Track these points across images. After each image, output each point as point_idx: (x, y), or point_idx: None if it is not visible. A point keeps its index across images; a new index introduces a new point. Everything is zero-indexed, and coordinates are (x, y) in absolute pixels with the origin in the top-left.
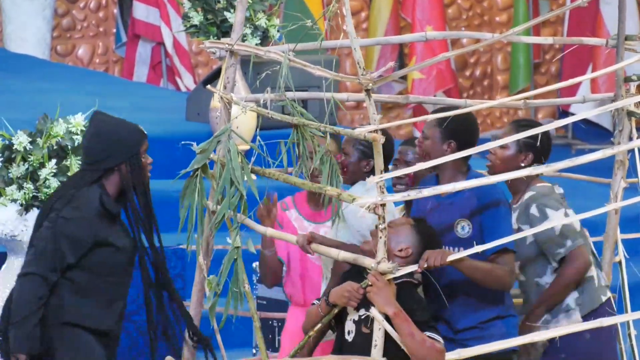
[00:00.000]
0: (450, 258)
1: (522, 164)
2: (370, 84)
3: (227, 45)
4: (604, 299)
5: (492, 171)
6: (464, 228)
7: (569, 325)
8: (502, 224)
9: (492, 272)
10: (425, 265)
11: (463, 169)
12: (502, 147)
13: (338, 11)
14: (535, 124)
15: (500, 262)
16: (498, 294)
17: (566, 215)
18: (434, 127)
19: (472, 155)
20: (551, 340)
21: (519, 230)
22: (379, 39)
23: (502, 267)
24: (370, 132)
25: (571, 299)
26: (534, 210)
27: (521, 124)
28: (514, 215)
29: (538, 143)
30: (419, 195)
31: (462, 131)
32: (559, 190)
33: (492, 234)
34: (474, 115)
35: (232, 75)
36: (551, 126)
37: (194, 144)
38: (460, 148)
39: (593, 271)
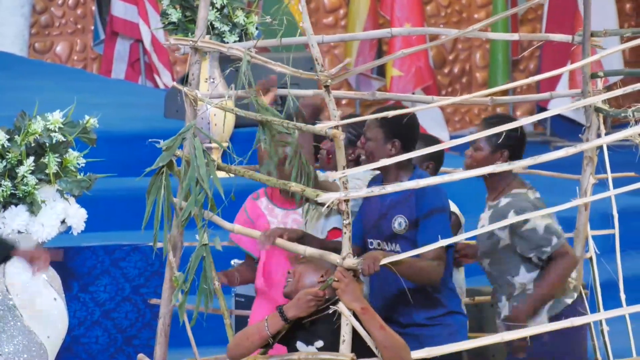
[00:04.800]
0: (384, 261)
1: (499, 162)
2: (329, 81)
3: (190, 42)
4: (569, 301)
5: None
6: (400, 224)
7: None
8: (438, 225)
9: (420, 269)
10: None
11: (408, 167)
12: (476, 148)
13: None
14: (506, 119)
15: (430, 256)
16: (446, 292)
17: (546, 217)
18: (376, 128)
19: (450, 152)
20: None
21: (493, 233)
22: (343, 36)
23: (430, 262)
24: (331, 127)
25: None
26: (511, 215)
27: (491, 121)
28: (487, 214)
29: (502, 139)
30: (383, 191)
31: (405, 129)
32: (536, 194)
33: (426, 234)
34: (414, 113)
35: (196, 72)
36: (521, 122)
37: (161, 141)
38: (404, 146)
39: None
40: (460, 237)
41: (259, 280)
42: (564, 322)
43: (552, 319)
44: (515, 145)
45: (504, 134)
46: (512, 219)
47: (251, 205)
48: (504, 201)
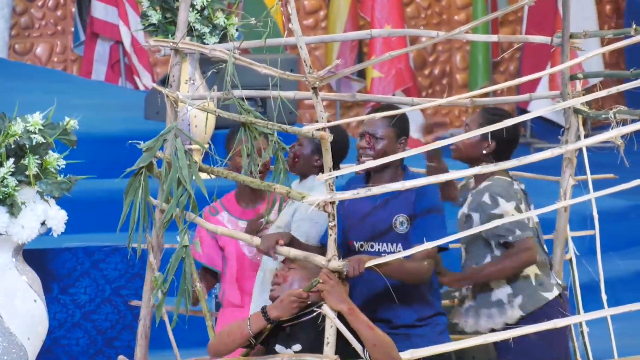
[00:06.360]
0: (369, 264)
1: (484, 152)
2: (317, 82)
3: (171, 44)
4: (549, 296)
5: (455, 156)
6: (402, 224)
7: (507, 321)
8: (434, 228)
9: (408, 269)
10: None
11: (402, 167)
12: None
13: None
14: (503, 113)
15: (421, 255)
16: (435, 293)
17: (518, 209)
18: (388, 128)
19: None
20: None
21: (468, 216)
22: (323, 37)
23: (418, 262)
24: (318, 129)
25: (503, 294)
26: (486, 198)
27: (489, 113)
28: (468, 201)
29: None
30: (369, 193)
31: (408, 127)
32: (520, 185)
33: (420, 232)
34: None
35: (177, 74)
36: (510, 122)
37: (142, 142)
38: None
39: (532, 270)
40: (455, 237)
41: (231, 293)
42: (546, 323)
43: (530, 315)
44: (504, 139)
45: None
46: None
47: (210, 220)
48: (483, 184)
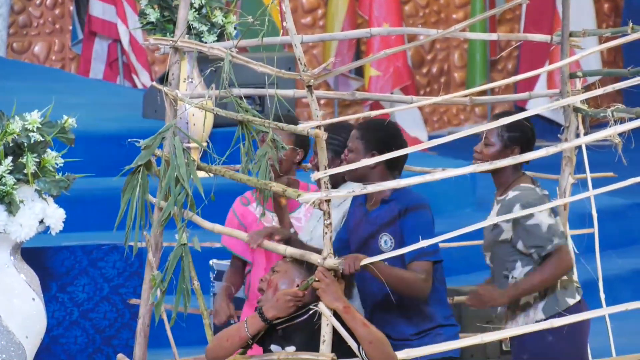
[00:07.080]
0: (364, 262)
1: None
2: (312, 81)
3: (170, 42)
4: (571, 302)
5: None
6: (386, 242)
7: (527, 323)
8: (421, 231)
9: (406, 279)
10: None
11: (389, 179)
12: (487, 144)
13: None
14: (515, 114)
15: (417, 270)
16: (436, 305)
17: (551, 216)
18: (356, 140)
19: (428, 152)
20: (513, 339)
21: (497, 225)
22: (322, 35)
23: (417, 275)
24: (313, 128)
25: (530, 297)
26: (517, 209)
27: (501, 117)
28: (496, 209)
29: (514, 135)
30: (364, 191)
31: (386, 140)
32: (543, 191)
33: (411, 240)
34: (396, 124)
35: (176, 72)
36: (509, 120)
37: (140, 140)
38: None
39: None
40: (453, 234)
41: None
42: (543, 323)
43: (549, 318)
44: (526, 141)
45: (514, 131)
46: (518, 212)
47: (243, 211)
48: (511, 194)
